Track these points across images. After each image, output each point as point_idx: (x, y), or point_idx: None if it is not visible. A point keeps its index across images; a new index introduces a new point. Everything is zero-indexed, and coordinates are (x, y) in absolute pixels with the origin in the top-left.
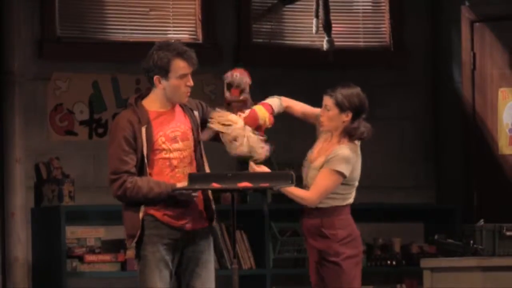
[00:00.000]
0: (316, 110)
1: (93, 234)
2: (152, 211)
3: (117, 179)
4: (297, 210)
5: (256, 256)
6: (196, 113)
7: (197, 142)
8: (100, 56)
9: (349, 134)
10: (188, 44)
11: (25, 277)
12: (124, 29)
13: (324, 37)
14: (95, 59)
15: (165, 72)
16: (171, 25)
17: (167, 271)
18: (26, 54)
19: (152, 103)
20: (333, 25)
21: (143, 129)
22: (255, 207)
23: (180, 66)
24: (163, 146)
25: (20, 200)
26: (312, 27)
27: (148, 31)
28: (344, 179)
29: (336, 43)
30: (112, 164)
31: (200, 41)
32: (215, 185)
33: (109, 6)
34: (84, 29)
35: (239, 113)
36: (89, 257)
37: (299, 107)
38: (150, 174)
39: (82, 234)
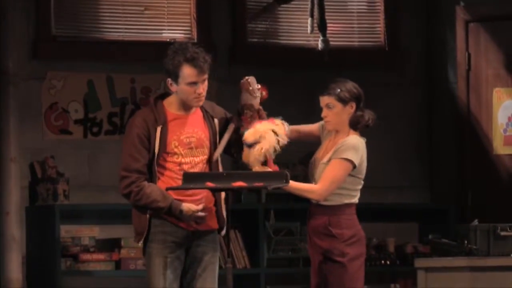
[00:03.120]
0: (313, 125)
1: (87, 233)
2: None
3: (126, 177)
4: (292, 210)
5: (250, 256)
6: (216, 121)
7: (213, 150)
8: (95, 55)
9: (356, 123)
10: None
11: (20, 275)
12: (119, 28)
13: (319, 37)
14: (90, 59)
15: (175, 76)
16: (166, 24)
17: (172, 269)
18: (21, 53)
19: (171, 104)
20: (328, 24)
21: (158, 129)
22: (250, 207)
23: (188, 73)
24: (175, 150)
25: (15, 199)
26: (307, 26)
27: (143, 31)
28: (353, 170)
29: (331, 43)
30: (124, 160)
31: (195, 41)
32: (210, 184)
33: (104, 5)
34: (79, 29)
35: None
36: (84, 256)
37: (295, 127)
38: (159, 176)
39: (76, 233)
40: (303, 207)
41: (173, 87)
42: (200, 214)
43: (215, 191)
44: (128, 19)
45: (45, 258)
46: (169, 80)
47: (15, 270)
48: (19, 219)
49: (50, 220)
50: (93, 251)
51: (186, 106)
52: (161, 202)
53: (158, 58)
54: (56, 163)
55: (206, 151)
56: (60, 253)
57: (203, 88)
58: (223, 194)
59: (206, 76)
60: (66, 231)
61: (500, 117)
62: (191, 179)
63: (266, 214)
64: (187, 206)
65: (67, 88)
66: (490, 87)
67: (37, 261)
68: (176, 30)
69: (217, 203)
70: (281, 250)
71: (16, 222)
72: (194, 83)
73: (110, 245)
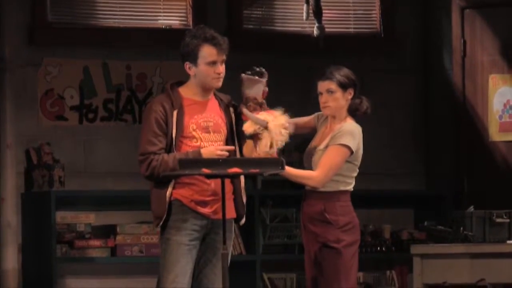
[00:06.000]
0: (308, 117)
1: (83, 219)
2: (179, 196)
3: (144, 160)
4: (287, 196)
5: (246, 242)
6: (231, 109)
7: (229, 136)
8: (90, 41)
9: (354, 109)
10: (178, 30)
11: (15, 262)
12: (115, 14)
13: (314, 23)
14: (86, 45)
15: (194, 58)
16: (161, 10)
17: (189, 256)
18: (17, 40)
19: (188, 90)
20: (323, 11)
21: (175, 113)
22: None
23: (208, 52)
24: (194, 133)
25: (11, 185)
26: (302, 13)
27: (139, 17)
28: (350, 156)
29: (326, 29)
30: (141, 145)
31: (191, 27)
32: (205, 170)
33: None
34: (75, 15)
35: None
36: (79, 243)
37: (291, 120)
38: None
39: (72, 220)
40: (299, 194)
41: (192, 70)
42: (223, 153)
43: (210, 178)
44: (124, 5)
45: (41, 245)
46: (187, 64)
47: (11, 255)
48: (14, 206)
49: (46, 206)
50: (89, 238)
51: (203, 91)
52: (183, 155)
53: (153, 44)
54: (52, 150)
55: (223, 137)
56: (55, 240)
57: (222, 69)
58: (242, 182)
59: (224, 57)
60: (62, 217)
61: (495, 103)
62: (186, 165)
63: (261, 200)
64: (208, 151)
65: (63, 74)
66: (485, 73)
67: (32, 248)
68: (172, 17)
69: (236, 191)
70: (276, 237)
71: (12, 209)
72: (213, 63)
73: (106, 231)
